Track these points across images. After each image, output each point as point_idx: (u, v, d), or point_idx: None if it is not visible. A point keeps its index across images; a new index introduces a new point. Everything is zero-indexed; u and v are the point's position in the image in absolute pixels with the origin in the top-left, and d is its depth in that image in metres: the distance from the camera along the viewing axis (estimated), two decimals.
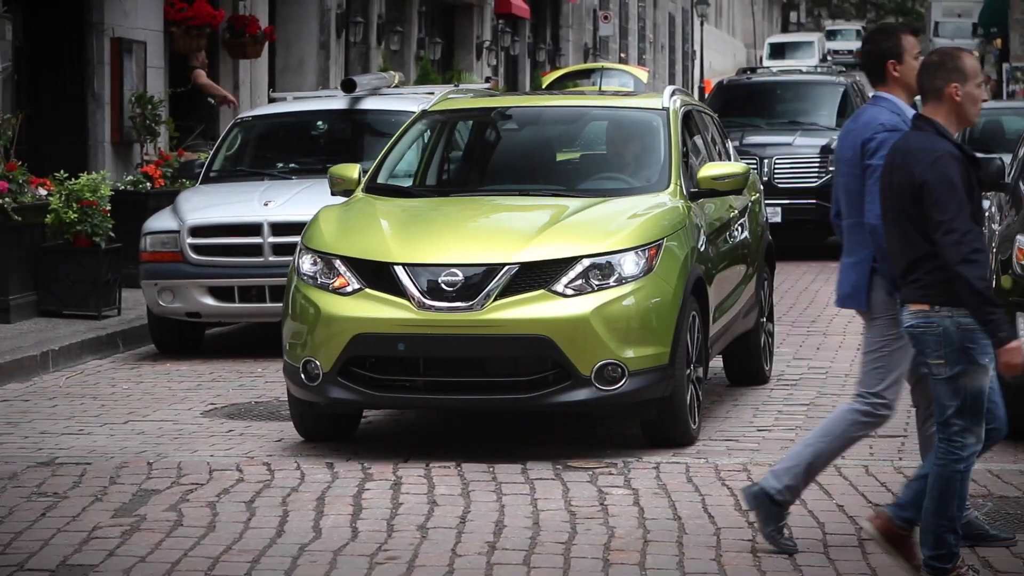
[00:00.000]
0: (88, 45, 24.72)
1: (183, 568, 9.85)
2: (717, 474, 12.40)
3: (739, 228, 15.44)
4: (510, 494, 11.66)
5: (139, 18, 25.83)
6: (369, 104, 21.97)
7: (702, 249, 13.63)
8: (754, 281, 15.86)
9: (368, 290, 12.39)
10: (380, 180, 14.54)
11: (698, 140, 15.55)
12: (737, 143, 26.04)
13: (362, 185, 14.26)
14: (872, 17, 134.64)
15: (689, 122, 15.22)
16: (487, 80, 40.19)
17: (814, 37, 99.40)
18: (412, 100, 21.40)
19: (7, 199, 19.73)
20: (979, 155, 26.00)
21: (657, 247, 12.72)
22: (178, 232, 18.73)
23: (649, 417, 12.87)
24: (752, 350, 16.09)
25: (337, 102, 22.28)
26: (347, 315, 12.34)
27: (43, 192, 20.38)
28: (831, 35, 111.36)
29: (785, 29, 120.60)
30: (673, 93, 15.14)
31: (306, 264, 12.73)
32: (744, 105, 32.80)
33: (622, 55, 65.07)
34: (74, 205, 20.14)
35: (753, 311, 15.85)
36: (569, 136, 15.76)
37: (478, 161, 15.63)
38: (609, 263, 12.56)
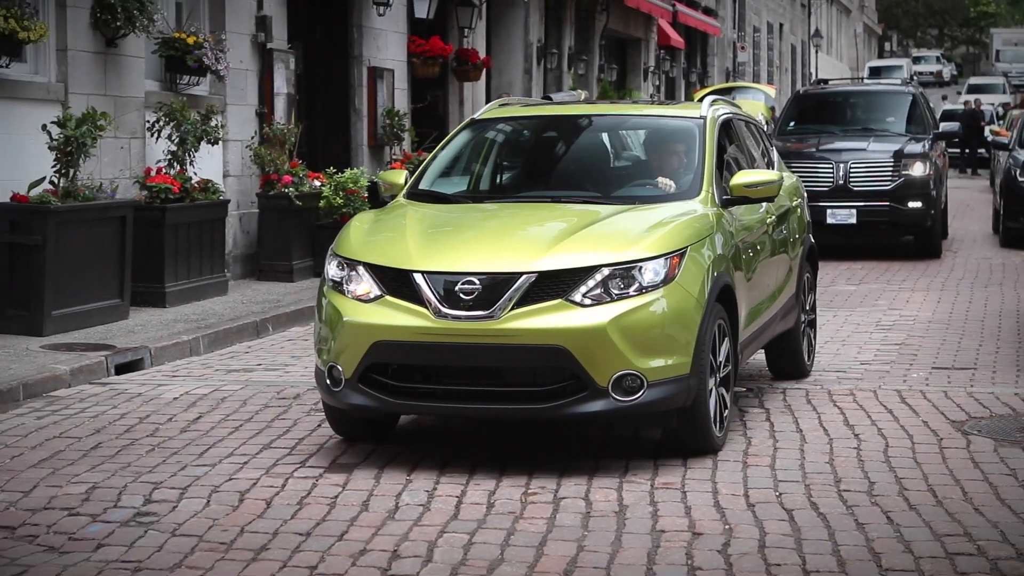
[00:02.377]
0: (351, 72, 24.93)
1: None
2: (830, 397, 12.46)
3: (778, 232, 12.76)
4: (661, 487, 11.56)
5: (388, 51, 26.04)
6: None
7: (732, 256, 11.00)
8: (794, 282, 13.26)
9: (389, 297, 10.02)
10: (423, 186, 11.97)
11: (737, 148, 12.76)
12: (814, 148, 25.25)
13: (404, 191, 11.86)
14: (948, 46, 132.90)
15: (729, 130, 12.59)
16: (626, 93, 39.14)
17: (903, 62, 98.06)
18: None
19: (291, 189, 20.13)
20: None
21: (680, 256, 10.15)
22: None
23: (670, 426, 10.33)
24: (793, 348, 13.42)
25: None
26: (367, 322, 9.97)
27: (317, 183, 20.61)
28: (916, 60, 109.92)
29: (880, 55, 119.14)
30: (713, 102, 12.59)
31: (332, 269, 10.46)
32: (819, 113, 28.31)
33: (755, 77, 64.77)
34: (340, 193, 20.44)
35: (793, 311, 13.22)
36: (608, 144, 12.88)
37: (516, 168, 12.82)
38: (629, 272, 9.95)
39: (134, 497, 9.25)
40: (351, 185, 20.56)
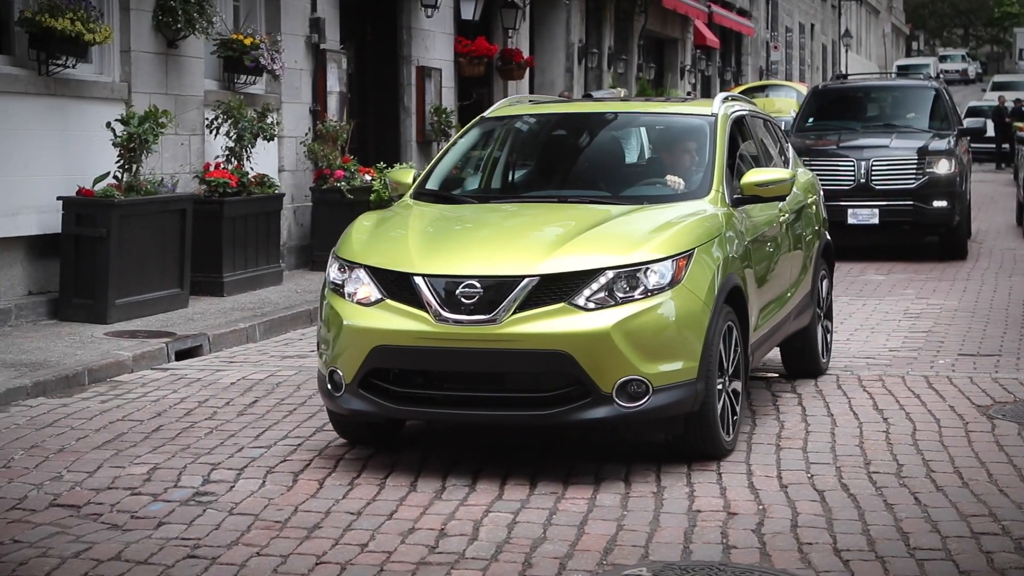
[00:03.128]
0: (401, 71, 24.95)
1: None
2: (859, 382, 12.41)
3: (791, 231, 11.93)
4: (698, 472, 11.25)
5: (436, 51, 26.06)
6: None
7: (742, 256, 10.23)
8: (809, 280, 12.46)
9: (389, 301, 9.25)
10: (430, 186, 11.14)
11: (751, 145, 11.95)
12: (834, 146, 23.28)
13: (411, 191, 11.09)
14: (973, 45, 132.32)
15: (742, 128, 11.79)
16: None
17: (930, 60, 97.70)
18: None
19: (343, 183, 20.15)
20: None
21: (687, 257, 9.37)
22: None
23: (677, 432, 9.47)
24: (808, 346, 12.60)
25: None
26: (367, 326, 9.21)
27: (368, 178, 20.60)
28: (943, 59, 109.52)
29: (908, 55, 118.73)
30: (725, 99, 11.82)
31: (334, 272, 9.69)
32: (839, 109, 26.04)
33: (787, 75, 64.62)
34: (390, 187, 20.46)
35: (808, 310, 12.42)
36: (618, 142, 11.93)
37: (525, 167, 11.90)
38: (634, 275, 9.17)
39: (193, 477, 9.28)
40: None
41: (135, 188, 15.64)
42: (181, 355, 13.89)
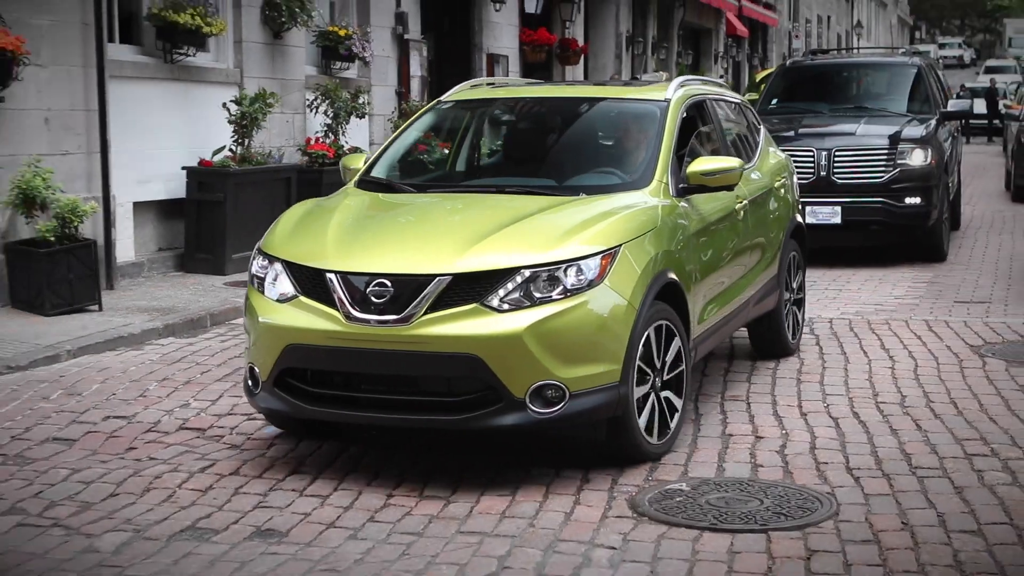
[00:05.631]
0: (473, 58, 24.96)
1: None
2: (869, 326, 12.41)
3: (751, 217, 10.00)
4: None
5: (503, 41, 26.04)
6: None
7: (683, 249, 8.41)
8: (775, 264, 10.61)
9: (302, 298, 7.57)
10: (375, 173, 9.33)
11: (711, 131, 9.95)
12: (792, 132, 17.15)
13: (355, 178, 9.35)
14: (968, 34, 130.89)
15: (702, 112, 9.91)
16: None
17: (931, 47, 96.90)
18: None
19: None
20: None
21: (611, 255, 7.57)
22: None
23: (599, 437, 7.84)
24: (775, 327, 10.80)
25: None
26: (279, 324, 7.56)
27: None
28: (941, 46, 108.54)
29: (911, 43, 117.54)
30: (683, 83, 9.84)
31: (255, 266, 8.03)
32: (809, 89, 19.63)
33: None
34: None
35: (773, 293, 10.59)
36: (569, 129, 9.81)
37: (468, 155, 10.11)
38: (553, 274, 7.35)
39: None
40: None
41: (247, 159, 15.78)
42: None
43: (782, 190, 11.02)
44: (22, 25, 13.22)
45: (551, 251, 7.45)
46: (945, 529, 6.64)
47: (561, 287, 7.35)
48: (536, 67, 28.11)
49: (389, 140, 9.85)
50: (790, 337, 11.09)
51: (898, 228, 16.65)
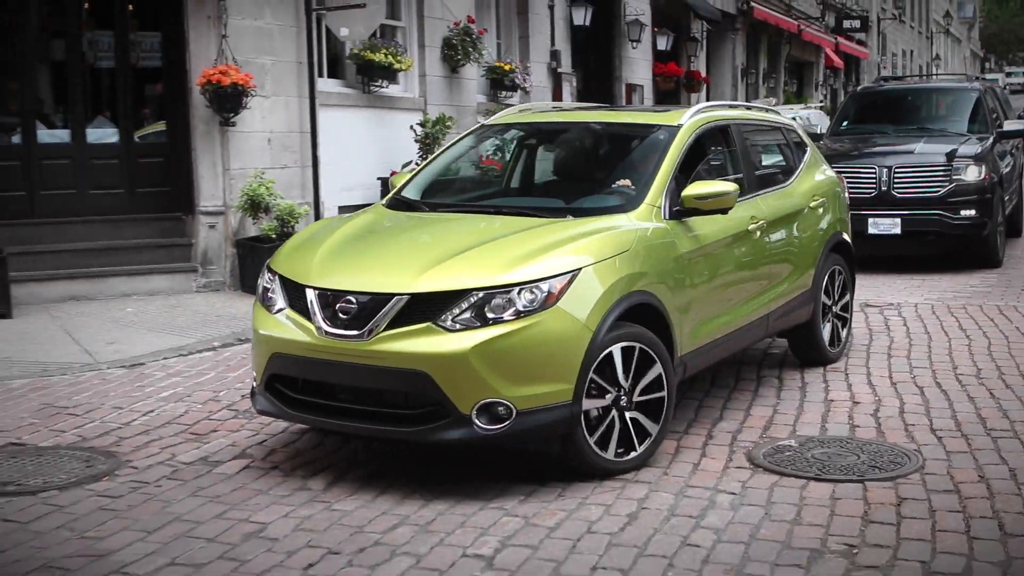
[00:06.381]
0: (614, 88, 24.89)
1: None
2: (948, 310, 12.15)
3: (776, 234, 8.72)
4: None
5: (639, 73, 25.93)
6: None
7: (669, 271, 7.19)
8: (809, 279, 9.18)
9: (288, 311, 6.84)
10: (405, 193, 8.39)
11: (727, 156, 8.72)
12: (857, 152, 16.03)
13: (388, 196, 8.45)
14: None
15: (726, 137, 8.70)
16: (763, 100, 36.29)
17: (999, 76, 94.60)
18: (781, 111, 21.01)
19: None
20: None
21: (569, 278, 6.48)
22: None
23: (552, 451, 6.92)
24: (810, 338, 9.44)
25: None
26: (268, 334, 6.87)
27: None
28: (1008, 74, 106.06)
29: (982, 71, 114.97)
30: (702, 110, 8.57)
31: (263, 280, 7.24)
32: (877, 112, 18.23)
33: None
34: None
35: (804, 307, 9.18)
36: (583, 152, 8.86)
37: (484, 177, 9.51)
38: (506, 295, 6.36)
39: None
40: None
41: None
42: None
43: (820, 209, 9.51)
44: (250, 64, 13.48)
45: (505, 274, 6.45)
46: (1016, 481, 6.49)
47: (514, 309, 6.34)
48: (666, 94, 28.04)
49: (428, 160, 8.90)
50: (828, 347, 9.62)
51: (953, 238, 15.40)
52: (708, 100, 31.70)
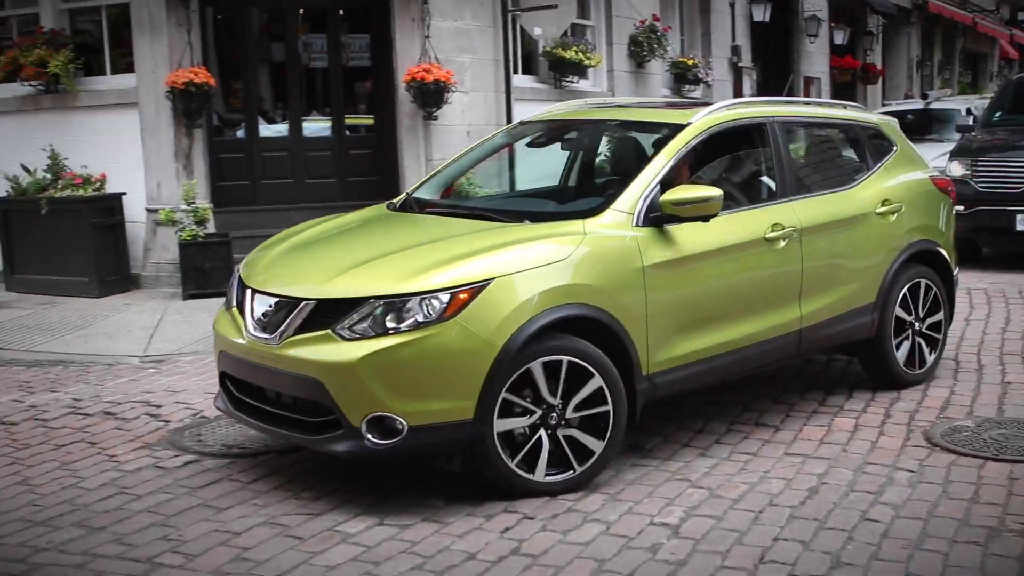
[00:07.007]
0: (792, 81, 24.47)
1: None
2: (1003, 296, 11.61)
3: (820, 243, 7.16)
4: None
5: (816, 66, 25.42)
6: (935, 106, 19.63)
7: (627, 282, 6.04)
8: (872, 292, 7.54)
9: (234, 310, 6.28)
10: (417, 192, 7.59)
11: (753, 157, 7.37)
12: (1003, 143, 13.38)
13: (401, 197, 7.57)
14: None
15: (762, 135, 7.25)
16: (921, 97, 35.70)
17: None
18: (956, 101, 20.40)
19: None
20: None
21: (474, 290, 5.57)
22: None
23: (455, 469, 6.25)
24: (880, 355, 7.73)
25: (917, 104, 20.55)
26: (218, 331, 6.35)
27: None
28: None
29: None
30: (722, 107, 7.15)
31: (235, 278, 6.57)
32: None
33: None
34: None
35: (865, 320, 7.52)
36: (587, 152, 8.02)
37: (487, 176, 8.64)
38: (405, 305, 5.55)
39: None
40: None
41: None
42: None
43: (893, 215, 7.76)
44: (451, 62, 13.62)
45: (407, 283, 5.63)
46: None
47: (413, 320, 5.53)
48: (842, 87, 27.42)
49: (446, 163, 7.99)
50: (904, 368, 7.92)
51: None
52: (883, 93, 30.87)
